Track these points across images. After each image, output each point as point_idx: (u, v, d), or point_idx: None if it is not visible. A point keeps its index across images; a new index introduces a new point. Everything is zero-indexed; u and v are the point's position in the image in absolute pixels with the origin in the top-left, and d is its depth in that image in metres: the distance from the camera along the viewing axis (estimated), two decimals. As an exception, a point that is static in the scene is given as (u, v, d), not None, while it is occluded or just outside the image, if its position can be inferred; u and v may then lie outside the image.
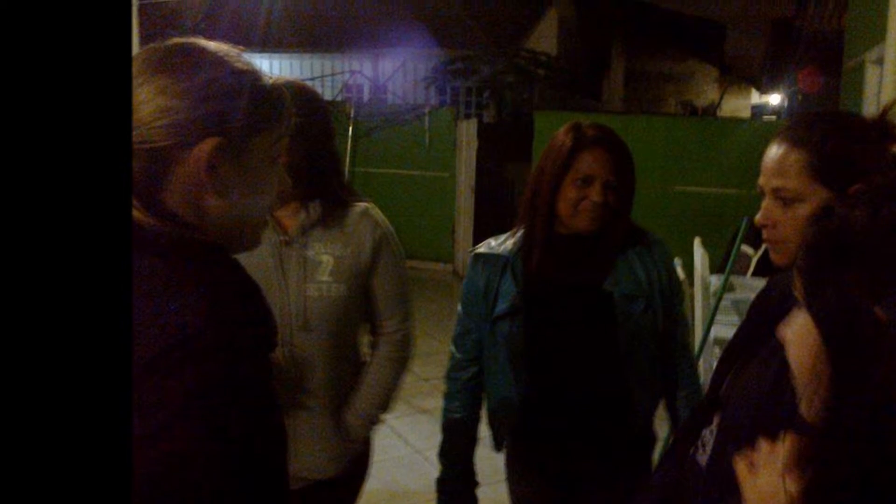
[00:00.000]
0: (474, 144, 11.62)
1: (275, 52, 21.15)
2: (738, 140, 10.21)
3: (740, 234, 4.85)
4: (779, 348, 1.33)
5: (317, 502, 2.63)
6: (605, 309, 2.61)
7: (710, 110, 34.72)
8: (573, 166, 2.53)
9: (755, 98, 39.65)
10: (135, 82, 1.26)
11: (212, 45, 1.36)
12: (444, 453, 2.87)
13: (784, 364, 1.27)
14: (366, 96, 20.47)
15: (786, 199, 1.78)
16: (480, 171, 11.81)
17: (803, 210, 1.76)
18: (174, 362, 1.15)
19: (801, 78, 16.01)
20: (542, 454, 2.77)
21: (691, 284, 5.93)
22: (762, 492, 1.18)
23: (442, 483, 2.86)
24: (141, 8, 9.82)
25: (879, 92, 7.03)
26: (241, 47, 1.41)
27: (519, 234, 2.70)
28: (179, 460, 1.14)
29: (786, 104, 25.00)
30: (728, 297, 5.34)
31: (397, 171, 12.29)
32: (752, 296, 2.08)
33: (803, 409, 1.15)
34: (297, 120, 1.59)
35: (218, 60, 1.32)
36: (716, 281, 5.61)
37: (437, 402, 3.21)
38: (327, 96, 16.53)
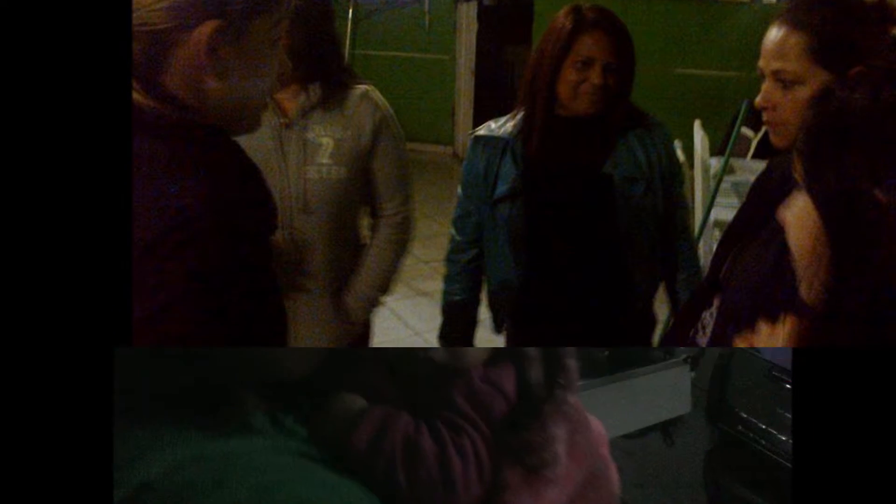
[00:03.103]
0: (474, 27, 11.46)
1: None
2: (738, 22, 10.05)
3: (740, 117, 4.82)
4: (779, 231, 1.34)
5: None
6: (605, 191, 2.60)
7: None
8: (573, 49, 2.49)
9: (758, -21, 39.08)
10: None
11: None
12: (444, 335, 2.90)
13: (784, 246, 1.27)
14: (365, -22, 20.14)
15: (786, 82, 1.77)
16: (480, 53, 11.68)
17: (803, 92, 1.74)
18: (174, 244, 1.15)
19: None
20: (541, 336, 2.80)
21: (691, 167, 5.91)
22: None
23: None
24: None
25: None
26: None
27: (519, 116, 2.68)
28: (179, 342, 1.15)
29: (787, -14, 24.62)
30: (728, 180, 5.32)
31: (397, 53, 12.15)
32: (752, 178, 2.08)
33: (803, 291, 1.16)
34: (297, 2, 1.56)
35: None
36: (716, 163, 5.59)
37: (436, 285, 3.22)
38: (326, -23, 16.25)
